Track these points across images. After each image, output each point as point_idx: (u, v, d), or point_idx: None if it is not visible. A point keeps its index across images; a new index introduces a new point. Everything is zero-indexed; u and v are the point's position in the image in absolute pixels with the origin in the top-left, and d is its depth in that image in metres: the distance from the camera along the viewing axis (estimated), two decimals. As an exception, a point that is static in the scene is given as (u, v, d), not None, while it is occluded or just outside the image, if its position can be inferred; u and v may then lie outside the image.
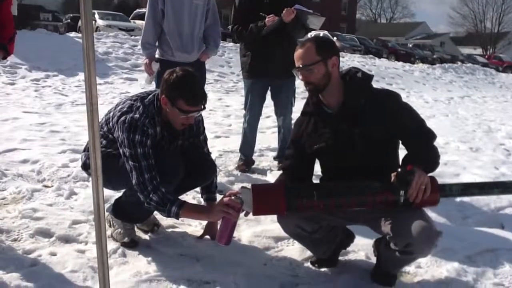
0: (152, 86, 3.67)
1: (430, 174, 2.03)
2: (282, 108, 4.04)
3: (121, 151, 2.30)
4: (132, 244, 2.52)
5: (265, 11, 3.72)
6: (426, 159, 2.08)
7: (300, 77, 2.19)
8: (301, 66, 2.16)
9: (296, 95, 4.10)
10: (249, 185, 2.17)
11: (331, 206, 2.09)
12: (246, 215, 2.18)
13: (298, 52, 2.18)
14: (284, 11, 3.62)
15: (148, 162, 2.24)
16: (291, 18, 3.63)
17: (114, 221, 2.58)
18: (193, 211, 2.31)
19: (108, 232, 2.54)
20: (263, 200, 2.06)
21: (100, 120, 2.45)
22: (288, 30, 3.70)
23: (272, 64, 3.77)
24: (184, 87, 2.25)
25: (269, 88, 4.04)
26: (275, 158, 4.34)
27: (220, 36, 3.82)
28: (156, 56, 3.64)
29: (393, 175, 2.02)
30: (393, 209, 2.08)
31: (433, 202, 2.09)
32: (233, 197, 2.12)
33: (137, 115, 2.30)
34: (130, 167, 2.26)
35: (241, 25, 3.82)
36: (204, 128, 2.69)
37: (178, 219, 2.29)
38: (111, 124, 2.38)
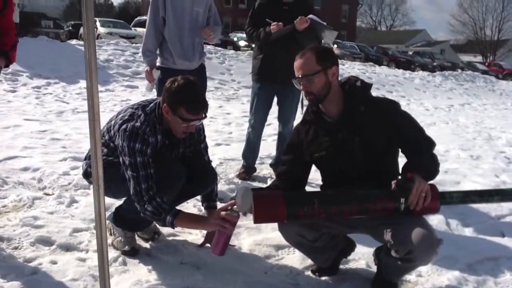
0: (153, 94, 3.68)
1: (430, 182, 2.04)
2: (286, 114, 4.03)
3: (121, 159, 2.31)
4: (133, 252, 2.52)
5: (284, 18, 3.73)
6: (426, 167, 2.08)
7: (301, 87, 2.20)
8: (301, 76, 2.17)
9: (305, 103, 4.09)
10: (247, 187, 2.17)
11: (331, 214, 2.09)
12: (245, 214, 2.16)
13: (298, 62, 2.19)
14: (298, 19, 3.64)
15: (146, 172, 2.25)
16: (304, 27, 3.65)
17: (115, 229, 2.58)
18: (188, 221, 2.31)
19: (109, 241, 2.54)
20: (264, 208, 2.05)
21: (101, 128, 2.47)
22: (298, 38, 3.70)
23: (280, 69, 3.78)
24: (185, 95, 2.27)
25: (276, 94, 4.03)
26: (271, 165, 4.34)
27: (221, 25, 3.77)
28: (158, 64, 3.65)
29: (393, 183, 2.02)
30: (393, 216, 2.08)
31: (433, 210, 2.09)
32: (229, 210, 2.13)
33: (138, 124, 2.31)
34: (128, 176, 2.27)
35: (254, 28, 3.89)
36: (205, 136, 2.70)
37: (173, 228, 2.30)
38: (112, 132, 2.39)
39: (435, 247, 2.00)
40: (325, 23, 3.82)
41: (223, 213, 2.13)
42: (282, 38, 3.70)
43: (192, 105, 2.27)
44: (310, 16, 3.68)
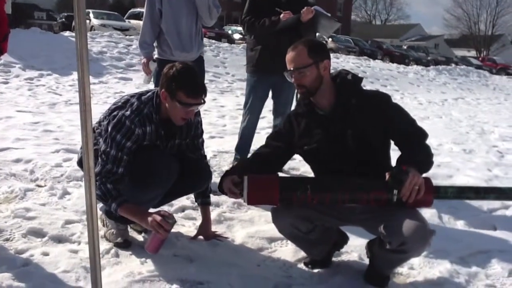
0: (150, 86, 3.66)
1: (425, 175, 2.04)
2: (282, 108, 3.97)
3: (100, 141, 2.34)
4: (125, 244, 2.50)
5: (281, 8, 3.67)
6: (420, 159, 2.08)
7: (292, 80, 2.19)
8: (292, 68, 2.17)
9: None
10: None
11: (324, 201, 2.10)
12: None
13: (290, 55, 2.19)
14: (304, 9, 3.58)
15: (112, 166, 2.28)
16: (308, 18, 3.60)
17: (108, 221, 2.56)
18: (130, 212, 2.31)
19: (101, 232, 2.53)
20: (257, 190, 2.08)
21: (97, 120, 2.45)
22: (301, 30, 3.65)
23: (281, 61, 3.72)
24: (183, 79, 2.26)
25: (272, 87, 3.96)
26: None
27: (220, 8, 3.65)
28: (156, 56, 3.63)
29: (387, 174, 2.02)
30: (386, 209, 2.09)
31: (426, 203, 2.10)
32: (165, 217, 2.18)
33: (128, 112, 2.30)
34: (99, 159, 2.31)
35: (254, 17, 3.76)
36: (202, 131, 2.67)
37: (117, 215, 2.33)
38: (105, 120, 2.38)
39: (428, 238, 2.01)
40: (329, 14, 3.78)
41: (159, 218, 2.17)
42: (283, 29, 3.65)
43: (191, 88, 2.26)
44: (315, 7, 3.64)
